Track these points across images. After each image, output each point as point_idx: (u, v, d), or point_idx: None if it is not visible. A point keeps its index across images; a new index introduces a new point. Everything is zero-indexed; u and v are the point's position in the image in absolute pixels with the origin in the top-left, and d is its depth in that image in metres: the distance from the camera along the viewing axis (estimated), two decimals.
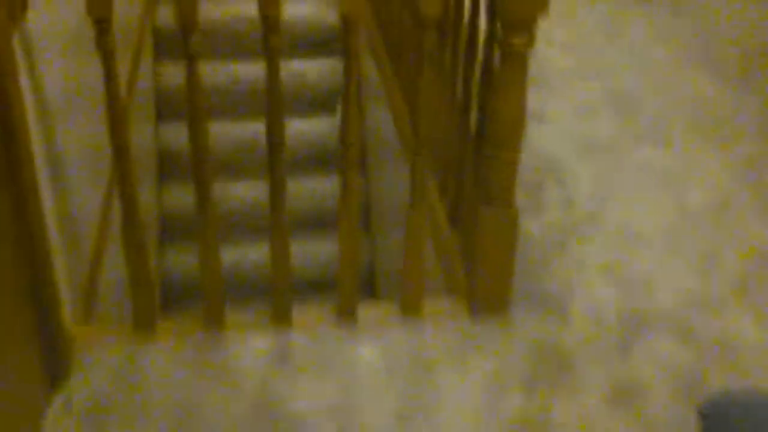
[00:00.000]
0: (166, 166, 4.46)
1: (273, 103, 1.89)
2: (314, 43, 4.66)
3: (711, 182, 2.95)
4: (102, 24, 1.73)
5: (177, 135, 4.46)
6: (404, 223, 3.06)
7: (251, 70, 4.56)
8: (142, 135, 4.03)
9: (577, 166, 2.99)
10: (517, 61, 1.91)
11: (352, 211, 2.01)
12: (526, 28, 1.87)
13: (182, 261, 4.22)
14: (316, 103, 4.61)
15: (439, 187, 2.62)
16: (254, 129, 4.53)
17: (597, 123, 3.24)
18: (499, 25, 1.91)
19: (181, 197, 4.39)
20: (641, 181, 2.95)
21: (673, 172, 3.00)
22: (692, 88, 3.55)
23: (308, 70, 4.60)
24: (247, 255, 4.34)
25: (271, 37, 1.80)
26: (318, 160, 4.54)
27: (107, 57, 1.77)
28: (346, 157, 1.98)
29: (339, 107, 4.56)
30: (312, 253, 4.41)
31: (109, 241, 2.82)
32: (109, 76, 1.78)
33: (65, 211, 2.18)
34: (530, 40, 1.88)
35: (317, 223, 4.48)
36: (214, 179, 4.50)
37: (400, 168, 3.52)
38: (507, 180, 2.06)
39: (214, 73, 4.54)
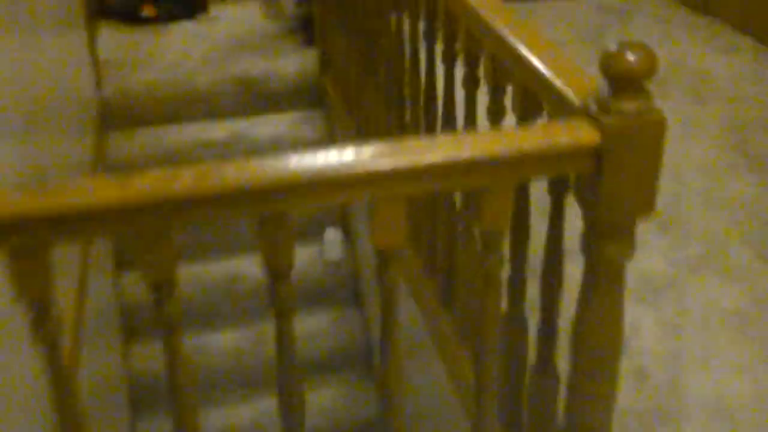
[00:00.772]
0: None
1: None
2: None
3: None
4: (39, 309, 1.19)
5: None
6: None
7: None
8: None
9: (638, 315, 2.48)
10: (613, 275, 1.40)
11: None
12: (627, 233, 1.36)
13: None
14: (298, 228, 4.07)
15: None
16: (231, 267, 3.98)
17: (646, 253, 2.74)
18: (586, 228, 1.39)
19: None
20: (714, 330, 2.44)
21: (746, 314, 2.50)
22: (735, 192, 3.08)
23: None
24: (234, 416, 3.76)
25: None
26: (303, 297, 3.99)
27: (51, 350, 1.22)
28: None
29: (326, 233, 4.03)
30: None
31: None
32: (55, 375, 1.23)
33: None
34: (631, 249, 1.38)
35: (308, 369, 3.91)
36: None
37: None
38: (602, 418, 1.53)
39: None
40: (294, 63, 4.30)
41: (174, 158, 4.05)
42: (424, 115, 2.43)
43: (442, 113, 2.26)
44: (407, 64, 2.62)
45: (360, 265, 4.00)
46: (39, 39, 2.92)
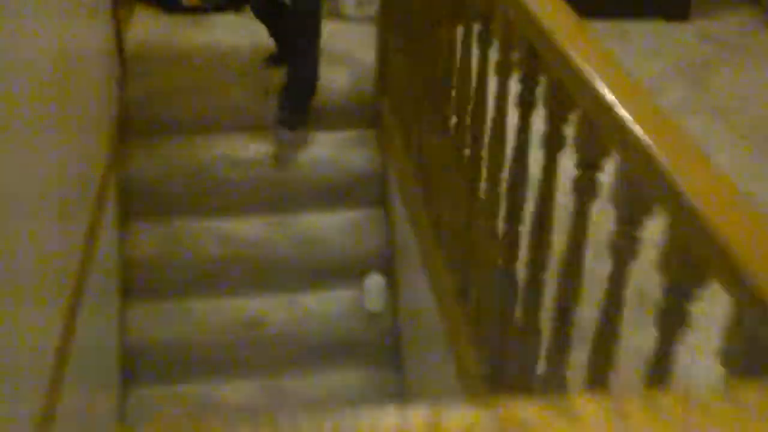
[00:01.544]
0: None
1: None
2: (332, 192, 3.58)
3: None
4: None
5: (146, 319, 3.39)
6: None
7: (245, 230, 3.49)
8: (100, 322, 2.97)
9: None
10: None
11: None
12: None
13: None
14: (336, 271, 3.52)
15: None
16: (252, 307, 3.45)
17: None
18: None
19: None
20: None
21: None
22: None
23: (325, 228, 3.52)
24: None
25: None
26: (337, 349, 3.44)
27: None
28: None
29: (367, 279, 3.47)
30: None
31: None
32: None
33: None
34: None
35: None
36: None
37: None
38: None
39: (199, 235, 3.47)
40: (348, 75, 3.73)
41: (199, 176, 3.51)
42: (490, 160, 1.91)
43: (511, 173, 1.73)
44: (473, 101, 2.07)
45: (403, 319, 3.44)
46: (40, 21, 2.35)
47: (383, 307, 3.45)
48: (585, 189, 1.41)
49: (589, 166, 1.39)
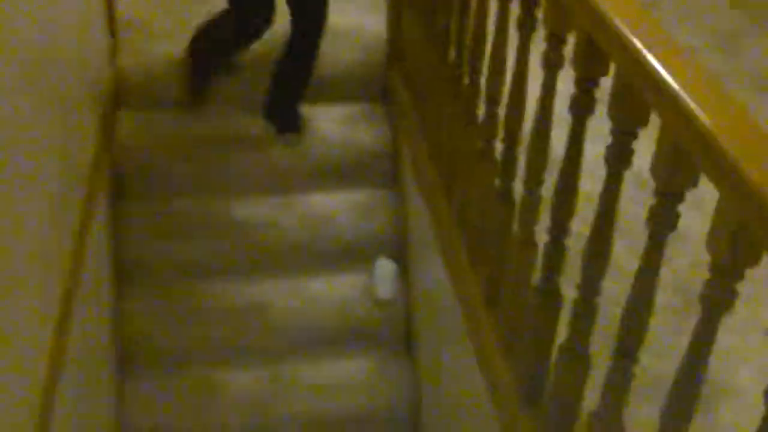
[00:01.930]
0: None
1: None
2: (340, 171, 3.36)
3: None
4: None
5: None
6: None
7: (248, 211, 3.28)
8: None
9: None
10: None
11: None
12: None
13: None
14: (344, 253, 3.32)
15: None
16: (256, 292, 3.25)
17: None
18: None
19: None
20: None
21: None
22: None
23: (333, 210, 3.31)
24: None
25: None
26: (349, 337, 3.25)
27: None
28: None
29: (377, 265, 3.27)
30: None
31: None
32: None
33: None
34: None
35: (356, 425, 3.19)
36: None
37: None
38: None
39: (199, 216, 3.26)
40: (355, 43, 3.49)
41: (198, 153, 3.29)
42: (529, 161, 1.71)
43: (558, 179, 1.52)
44: (508, 90, 1.87)
45: (416, 306, 3.25)
46: None
47: (395, 294, 3.26)
48: (664, 222, 1.21)
49: (669, 195, 1.18)
